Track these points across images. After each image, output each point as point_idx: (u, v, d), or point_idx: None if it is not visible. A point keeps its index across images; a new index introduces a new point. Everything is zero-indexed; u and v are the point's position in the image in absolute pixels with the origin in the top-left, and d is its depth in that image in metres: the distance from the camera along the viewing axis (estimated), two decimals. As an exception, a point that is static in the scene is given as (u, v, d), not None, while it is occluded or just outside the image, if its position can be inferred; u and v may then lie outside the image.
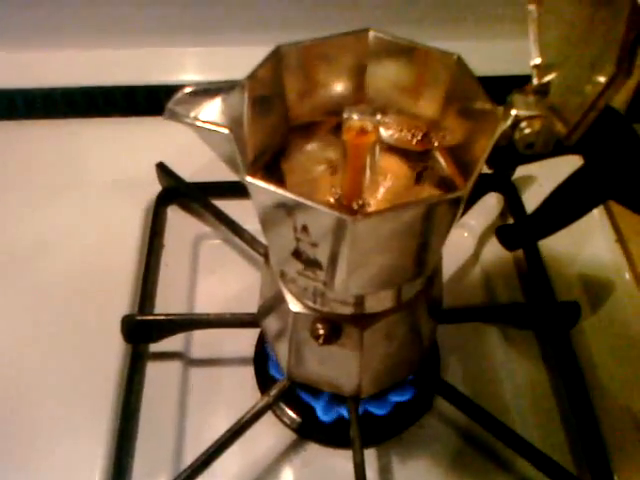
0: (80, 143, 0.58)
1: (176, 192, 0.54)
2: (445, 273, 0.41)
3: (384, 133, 0.35)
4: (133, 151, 0.56)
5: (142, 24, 0.58)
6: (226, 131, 0.29)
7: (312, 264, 0.31)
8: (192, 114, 0.30)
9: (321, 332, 0.35)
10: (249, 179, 0.28)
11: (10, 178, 0.55)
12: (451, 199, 0.29)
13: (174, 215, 0.54)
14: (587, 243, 0.51)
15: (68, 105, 0.60)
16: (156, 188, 0.54)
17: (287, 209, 0.28)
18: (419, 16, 0.58)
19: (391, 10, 0.58)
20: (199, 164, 0.51)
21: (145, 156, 0.54)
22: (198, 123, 0.30)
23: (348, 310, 0.35)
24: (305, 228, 0.29)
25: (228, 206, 0.51)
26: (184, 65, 0.60)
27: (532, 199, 0.51)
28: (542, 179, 0.53)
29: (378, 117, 0.35)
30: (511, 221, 0.53)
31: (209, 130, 0.29)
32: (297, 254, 0.31)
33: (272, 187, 0.27)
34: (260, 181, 0.28)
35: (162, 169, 0.53)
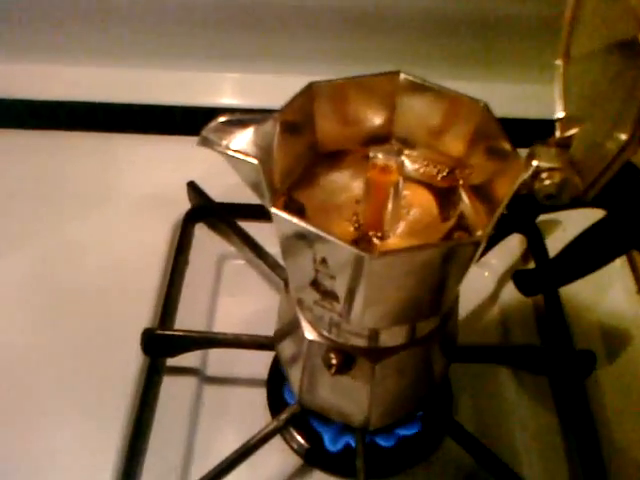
0: (117, 157, 0.59)
1: (205, 211, 0.55)
2: (462, 311, 0.41)
3: (410, 166, 0.36)
4: (166, 168, 0.58)
5: (184, 48, 0.60)
6: (255, 161, 0.30)
7: (329, 295, 0.32)
8: (224, 142, 0.31)
9: (334, 362, 0.35)
10: (274, 210, 0.29)
11: (46, 186, 0.57)
12: (469, 242, 0.30)
13: (201, 233, 0.55)
14: (608, 292, 0.50)
15: (108, 119, 0.61)
16: (186, 206, 0.55)
17: (308, 240, 0.29)
18: (447, 54, 0.59)
19: (421, 46, 0.59)
20: (229, 185, 0.51)
21: (177, 174, 0.55)
22: (229, 152, 0.30)
23: (362, 342, 0.35)
24: (324, 260, 0.29)
25: (254, 228, 0.52)
26: (221, 89, 0.61)
27: (555, 243, 0.50)
28: (566, 223, 0.53)
29: (405, 152, 0.36)
30: (532, 263, 0.53)
31: (239, 159, 0.31)
32: (315, 284, 0.32)
33: (295, 219, 0.28)
34: (284, 213, 0.29)
35: (193, 188, 0.55)
